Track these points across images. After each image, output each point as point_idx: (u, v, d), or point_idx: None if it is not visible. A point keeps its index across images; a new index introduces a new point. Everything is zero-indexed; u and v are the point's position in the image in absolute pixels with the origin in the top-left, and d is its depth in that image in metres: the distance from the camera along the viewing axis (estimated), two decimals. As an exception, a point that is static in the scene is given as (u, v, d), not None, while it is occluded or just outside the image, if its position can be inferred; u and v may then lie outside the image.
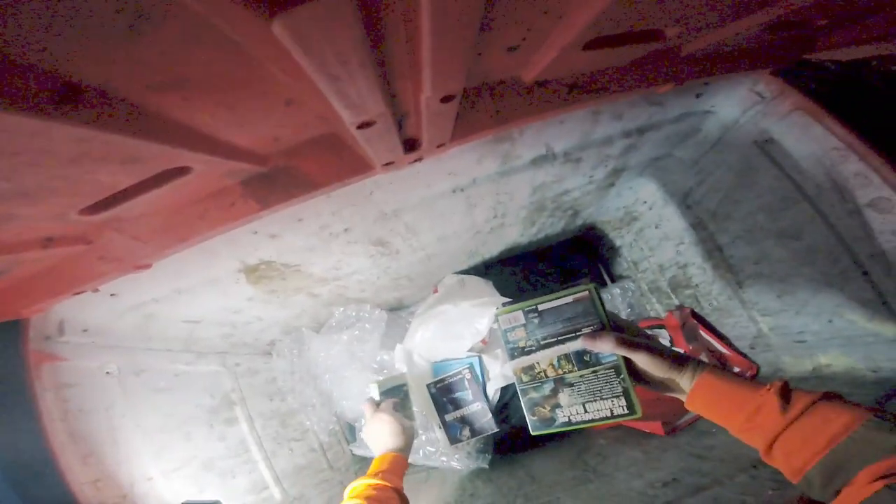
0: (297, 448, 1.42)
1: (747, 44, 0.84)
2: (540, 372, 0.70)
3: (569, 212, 1.52)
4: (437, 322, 1.41)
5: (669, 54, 0.76)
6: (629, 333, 0.65)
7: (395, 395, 1.09)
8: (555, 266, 1.88)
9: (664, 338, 1.48)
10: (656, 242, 1.57)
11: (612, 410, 0.65)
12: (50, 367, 0.81)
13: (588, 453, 1.23)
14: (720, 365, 1.34)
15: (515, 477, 1.23)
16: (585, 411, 0.67)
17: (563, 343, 0.69)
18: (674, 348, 0.66)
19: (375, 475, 0.81)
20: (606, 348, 0.64)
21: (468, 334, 1.37)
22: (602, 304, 0.68)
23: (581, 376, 0.67)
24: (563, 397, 0.68)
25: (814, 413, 0.48)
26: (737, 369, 1.34)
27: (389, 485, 0.79)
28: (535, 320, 0.72)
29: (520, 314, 0.73)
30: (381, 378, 1.13)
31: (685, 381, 0.59)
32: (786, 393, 0.52)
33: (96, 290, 0.80)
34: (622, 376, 0.65)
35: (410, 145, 0.66)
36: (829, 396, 0.50)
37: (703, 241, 1.33)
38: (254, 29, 0.31)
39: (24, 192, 0.42)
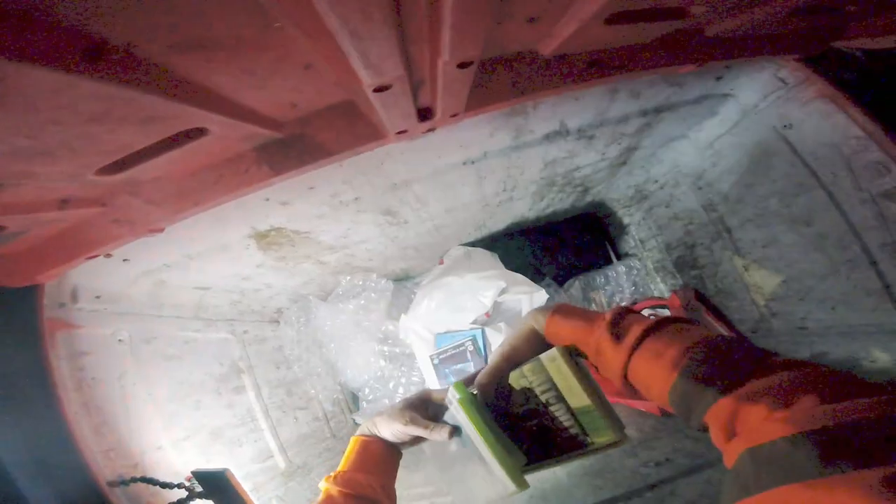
0: (301, 417, 1.45)
1: (774, 28, 0.82)
2: None
3: (579, 188, 1.51)
4: (441, 293, 1.42)
5: (693, 34, 0.75)
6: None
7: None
8: (561, 241, 1.88)
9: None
10: (665, 222, 1.57)
11: None
12: (64, 335, 0.81)
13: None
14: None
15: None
16: None
17: None
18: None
19: (337, 478, 0.68)
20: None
21: (472, 307, 1.39)
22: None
23: None
24: None
25: (644, 349, 0.47)
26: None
27: (351, 492, 0.66)
28: None
29: None
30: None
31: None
32: (617, 322, 0.51)
33: (109, 255, 0.79)
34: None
35: (424, 114, 0.65)
36: (659, 326, 0.48)
37: (713, 223, 1.33)
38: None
39: (44, 151, 0.42)
